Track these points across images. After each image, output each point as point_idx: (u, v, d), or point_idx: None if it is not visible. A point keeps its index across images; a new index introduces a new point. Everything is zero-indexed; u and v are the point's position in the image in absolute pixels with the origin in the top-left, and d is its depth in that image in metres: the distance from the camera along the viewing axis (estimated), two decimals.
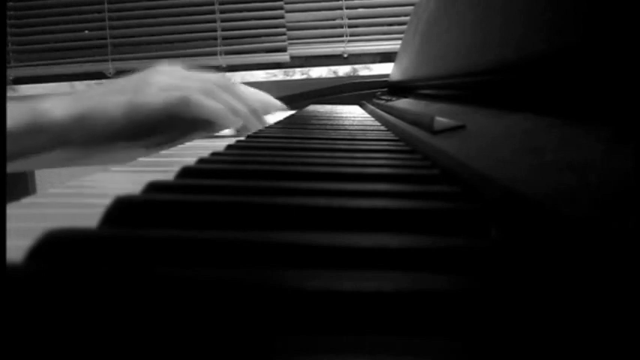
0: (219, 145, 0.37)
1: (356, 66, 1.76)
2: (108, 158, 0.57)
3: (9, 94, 1.66)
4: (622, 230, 0.10)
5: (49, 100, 0.50)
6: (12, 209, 0.20)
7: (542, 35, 0.23)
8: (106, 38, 1.88)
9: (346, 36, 1.85)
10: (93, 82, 1.78)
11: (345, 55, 1.85)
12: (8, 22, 1.86)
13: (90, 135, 0.50)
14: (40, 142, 0.49)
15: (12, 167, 0.52)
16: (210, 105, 0.49)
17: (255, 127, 0.52)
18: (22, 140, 0.48)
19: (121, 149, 0.54)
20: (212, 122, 0.50)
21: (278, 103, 0.69)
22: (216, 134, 0.52)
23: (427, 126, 0.33)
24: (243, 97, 0.52)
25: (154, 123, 0.50)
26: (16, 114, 0.48)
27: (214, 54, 1.86)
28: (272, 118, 0.65)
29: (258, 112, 0.53)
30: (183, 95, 0.48)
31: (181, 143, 0.44)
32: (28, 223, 0.18)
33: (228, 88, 0.52)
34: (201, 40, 1.87)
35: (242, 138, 0.42)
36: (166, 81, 0.50)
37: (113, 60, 1.87)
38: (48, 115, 0.48)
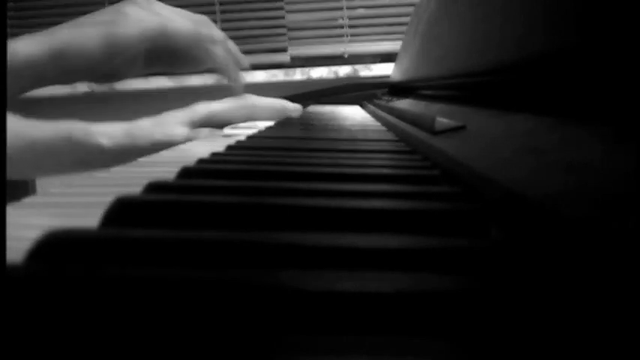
0: (219, 145, 0.37)
1: (356, 66, 1.76)
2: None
3: None
4: (622, 230, 0.10)
5: (20, 40, 0.47)
6: (12, 209, 0.20)
7: (543, 36, 0.23)
8: None
9: (347, 36, 1.85)
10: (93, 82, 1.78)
11: (346, 56, 1.85)
12: (8, 22, 1.86)
13: (66, 71, 0.47)
14: (14, 83, 0.46)
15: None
16: (189, 34, 0.47)
17: (234, 74, 0.50)
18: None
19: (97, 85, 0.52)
20: (193, 57, 0.48)
21: (293, 106, 0.69)
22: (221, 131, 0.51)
23: (428, 126, 0.33)
24: (225, 40, 0.51)
25: (133, 55, 0.47)
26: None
27: None
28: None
29: (238, 62, 0.52)
30: (161, 23, 0.47)
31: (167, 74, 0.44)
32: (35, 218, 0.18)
33: (210, 27, 0.50)
34: None
35: (242, 138, 0.42)
36: (142, 13, 0.48)
37: None
38: (19, 54, 0.46)
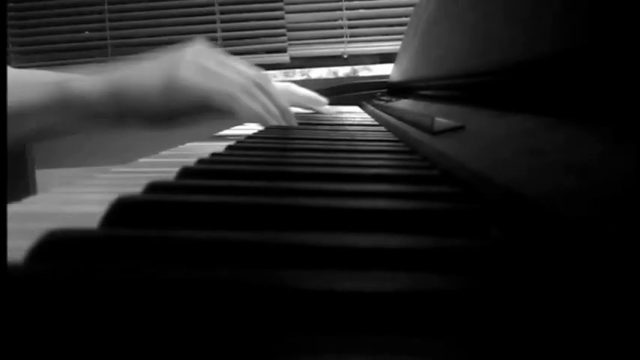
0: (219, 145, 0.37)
1: (356, 67, 1.76)
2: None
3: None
4: (622, 230, 0.10)
5: (79, 78, 0.47)
6: (12, 209, 0.20)
7: (542, 36, 0.23)
8: (106, 39, 1.88)
9: (346, 37, 1.85)
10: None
11: (345, 56, 1.85)
12: (9, 22, 1.86)
13: (123, 112, 0.47)
14: (69, 119, 0.47)
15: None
16: (251, 107, 0.48)
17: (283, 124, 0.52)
18: (50, 117, 0.46)
19: (145, 128, 0.52)
20: (241, 117, 0.49)
21: (322, 99, 0.78)
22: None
23: (427, 127, 0.33)
24: (276, 97, 0.52)
25: (189, 105, 0.48)
26: (42, 92, 0.46)
27: None
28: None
29: (288, 114, 0.54)
30: (228, 91, 0.47)
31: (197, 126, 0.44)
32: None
33: (265, 88, 0.51)
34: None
35: (242, 139, 0.42)
36: (205, 64, 0.48)
37: (113, 60, 1.87)
38: (79, 92, 0.46)
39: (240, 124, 0.63)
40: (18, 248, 0.13)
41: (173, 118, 0.50)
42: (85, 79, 0.47)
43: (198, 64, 0.48)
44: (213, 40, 1.86)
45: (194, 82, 0.47)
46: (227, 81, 0.48)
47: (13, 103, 0.45)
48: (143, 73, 0.48)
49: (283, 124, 0.52)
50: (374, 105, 0.92)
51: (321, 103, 0.80)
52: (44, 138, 0.51)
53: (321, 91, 0.88)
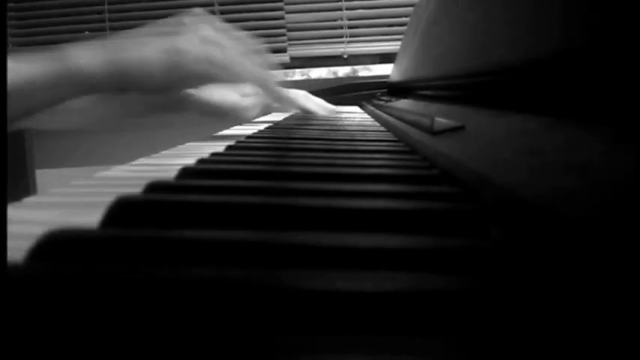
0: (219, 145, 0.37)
1: (356, 67, 1.76)
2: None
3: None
4: (621, 231, 0.10)
5: (80, 52, 0.47)
6: (12, 209, 0.20)
7: (542, 36, 0.23)
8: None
9: (346, 37, 1.85)
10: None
11: (345, 56, 1.85)
12: (9, 22, 1.86)
13: (123, 84, 0.48)
14: (71, 91, 0.47)
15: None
16: (252, 70, 0.49)
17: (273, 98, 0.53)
18: (52, 90, 0.47)
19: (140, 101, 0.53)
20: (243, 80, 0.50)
21: (332, 107, 0.86)
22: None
23: (427, 127, 0.33)
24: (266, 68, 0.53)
25: (190, 74, 0.48)
26: (45, 66, 0.46)
27: None
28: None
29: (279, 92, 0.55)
30: (229, 57, 0.48)
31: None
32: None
33: (260, 55, 0.52)
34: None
35: (242, 139, 0.42)
36: (205, 33, 0.49)
37: None
38: (80, 68, 0.46)
39: (240, 124, 0.63)
40: (18, 248, 0.13)
41: (175, 87, 0.50)
42: (86, 52, 0.47)
43: (198, 33, 0.48)
44: None
45: (195, 51, 0.47)
46: (227, 48, 0.49)
47: (18, 80, 0.45)
48: (143, 44, 0.48)
49: (279, 91, 0.53)
50: (374, 105, 0.92)
51: (331, 111, 0.87)
52: (47, 108, 0.51)
53: (321, 91, 0.89)
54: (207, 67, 0.48)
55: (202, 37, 0.48)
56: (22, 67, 0.46)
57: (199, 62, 0.47)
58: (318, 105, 0.84)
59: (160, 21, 0.50)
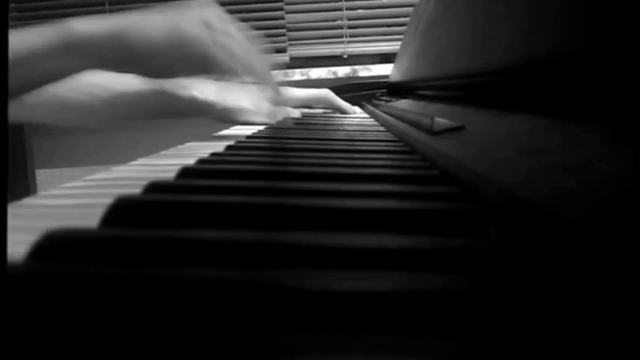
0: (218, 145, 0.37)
1: (356, 67, 1.76)
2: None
3: None
4: (621, 231, 0.10)
5: (82, 21, 0.48)
6: (13, 209, 0.20)
7: (542, 37, 0.23)
8: None
9: (346, 37, 1.85)
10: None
11: (345, 56, 1.85)
12: (10, 22, 1.86)
13: (124, 58, 0.48)
14: (73, 62, 0.47)
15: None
16: (251, 65, 0.49)
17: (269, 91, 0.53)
18: (54, 60, 0.46)
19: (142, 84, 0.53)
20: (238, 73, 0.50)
21: (353, 108, 0.90)
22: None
23: (427, 127, 0.33)
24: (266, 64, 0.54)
25: (189, 57, 0.48)
26: (46, 34, 0.46)
27: None
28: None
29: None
30: (229, 47, 0.48)
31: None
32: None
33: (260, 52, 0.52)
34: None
35: (242, 139, 0.42)
36: (210, 21, 0.49)
37: None
38: (82, 35, 0.46)
39: (240, 123, 0.63)
40: (17, 249, 0.13)
41: (173, 69, 0.50)
42: (90, 22, 0.47)
43: (202, 19, 0.48)
44: None
45: (197, 35, 0.47)
46: (230, 36, 0.49)
47: (19, 47, 0.45)
48: (147, 21, 0.48)
49: (275, 87, 0.53)
50: (374, 105, 0.92)
51: (351, 112, 0.89)
52: (49, 82, 0.51)
53: None
54: (207, 49, 0.48)
55: (206, 21, 0.48)
56: (22, 36, 0.46)
57: (200, 44, 0.47)
58: (342, 106, 0.87)
59: (164, 5, 0.50)
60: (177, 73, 0.51)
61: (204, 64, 0.49)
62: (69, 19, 0.47)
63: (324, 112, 0.88)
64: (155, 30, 0.47)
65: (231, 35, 0.49)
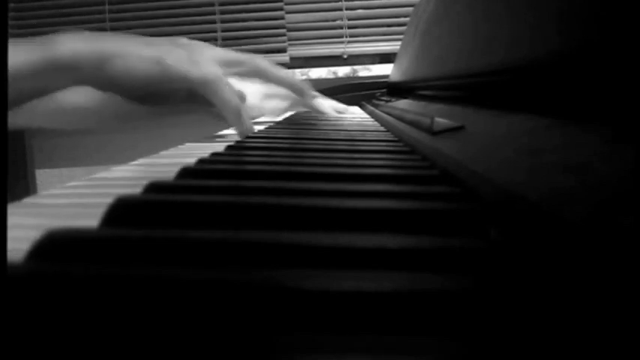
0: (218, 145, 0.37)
1: (355, 67, 1.76)
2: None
3: None
4: (621, 231, 0.10)
5: (65, 39, 0.47)
6: (12, 209, 0.20)
7: (542, 37, 0.23)
8: None
9: (346, 37, 1.85)
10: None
11: (345, 56, 1.85)
12: (10, 22, 1.86)
13: (106, 80, 0.48)
14: (58, 80, 0.47)
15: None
16: (230, 102, 0.49)
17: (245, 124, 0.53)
18: (39, 78, 0.46)
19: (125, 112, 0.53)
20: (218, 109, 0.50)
21: (342, 106, 0.90)
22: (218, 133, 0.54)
23: (427, 127, 0.33)
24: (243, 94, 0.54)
25: (170, 88, 0.48)
26: (32, 52, 0.46)
27: None
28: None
29: (248, 113, 0.54)
30: (217, 79, 0.48)
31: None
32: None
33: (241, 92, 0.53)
34: (201, 41, 1.87)
35: (242, 139, 0.42)
36: (196, 57, 0.50)
37: None
38: (65, 52, 0.46)
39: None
40: (17, 249, 0.13)
41: (155, 100, 0.51)
42: (76, 41, 0.47)
43: (189, 53, 0.49)
44: (213, 40, 1.86)
45: (180, 67, 0.48)
46: (212, 73, 0.49)
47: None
48: (134, 51, 0.48)
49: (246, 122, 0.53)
50: (374, 105, 0.92)
51: (343, 110, 0.90)
52: (35, 97, 0.51)
53: (321, 92, 0.89)
54: (187, 85, 0.48)
55: (191, 58, 0.49)
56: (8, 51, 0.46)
57: (185, 82, 0.48)
58: (330, 107, 0.87)
59: (155, 39, 0.50)
60: (160, 103, 0.52)
61: (184, 97, 0.50)
62: (60, 31, 0.47)
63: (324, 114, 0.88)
64: (139, 62, 0.47)
65: (216, 70, 0.50)
